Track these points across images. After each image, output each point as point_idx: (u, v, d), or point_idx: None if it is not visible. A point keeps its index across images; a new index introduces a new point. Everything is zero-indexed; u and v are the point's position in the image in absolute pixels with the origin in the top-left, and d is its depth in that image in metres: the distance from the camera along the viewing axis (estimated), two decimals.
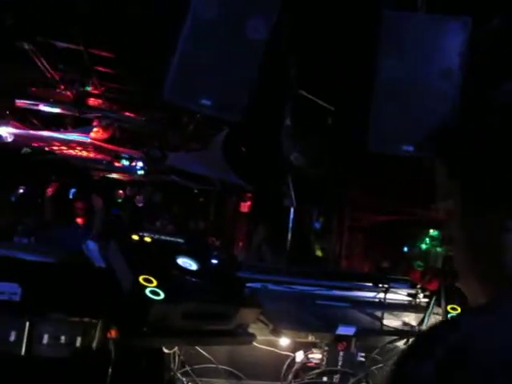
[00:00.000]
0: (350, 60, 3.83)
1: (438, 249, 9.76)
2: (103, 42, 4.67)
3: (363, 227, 7.68)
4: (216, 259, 2.24)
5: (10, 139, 7.79)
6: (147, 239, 2.13)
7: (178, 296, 1.79)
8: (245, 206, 10.58)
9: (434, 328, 0.81)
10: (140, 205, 14.77)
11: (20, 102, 6.10)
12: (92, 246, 2.16)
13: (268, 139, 5.43)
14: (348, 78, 3.91)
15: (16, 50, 4.88)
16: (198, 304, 1.82)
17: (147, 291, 1.74)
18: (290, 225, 7.55)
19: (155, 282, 1.79)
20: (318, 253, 9.04)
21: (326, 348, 2.43)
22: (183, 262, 2.04)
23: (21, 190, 10.32)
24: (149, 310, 1.70)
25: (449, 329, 0.75)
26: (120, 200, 14.97)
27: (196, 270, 2.00)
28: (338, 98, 4.16)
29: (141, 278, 1.79)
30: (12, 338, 2.02)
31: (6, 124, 5.98)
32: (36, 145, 7.75)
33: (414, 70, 2.98)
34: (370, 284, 2.88)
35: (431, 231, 9.89)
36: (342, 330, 2.27)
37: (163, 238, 2.22)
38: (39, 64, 5.56)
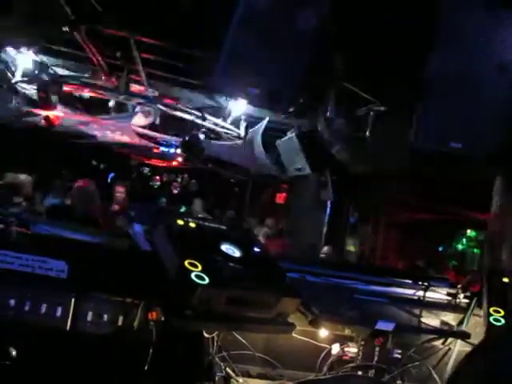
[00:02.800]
0: (398, 52, 3.76)
1: (475, 250, 9.55)
2: (149, 29, 4.72)
3: (399, 224, 7.58)
4: (258, 247, 2.26)
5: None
6: (192, 225, 2.16)
7: (223, 281, 1.82)
8: (280, 197, 10.59)
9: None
10: (176, 191, 14.97)
11: (68, 88, 6.25)
12: (138, 228, 2.21)
13: (309, 131, 5.41)
14: (396, 70, 3.84)
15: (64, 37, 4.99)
16: (241, 290, 1.85)
17: (192, 275, 1.77)
18: (326, 218, 7.54)
19: (200, 267, 1.82)
20: (351, 248, 8.99)
21: (362, 342, 2.42)
22: (227, 248, 2.06)
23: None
24: (193, 294, 1.74)
25: None
26: (157, 185, 15.21)
27: (239, 257, 2.02)
28: (383, 92, 4.09)
29: (186, 263, 1.83)
30: (58, 313, 2.08)
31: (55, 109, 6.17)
32: (82, 127, 7.93)
33: (468, 64, 2.90)
34: (410, 281, 2.85)
35: (468, 232, 9.68)
36: (381, 325, 2.26)
37: (207, 224, 2.25)
38: (87, 51, 5.67)
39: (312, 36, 2.58)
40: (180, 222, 2.14)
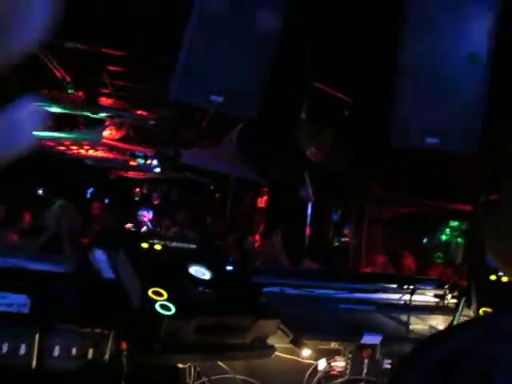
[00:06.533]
0: (368, 48, 3.66)
1: (459, 239, 9.56)
2: (113, 41, 4.56)
3: (383, 219, 7.52)
4: (231, 265, 2.12)
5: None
6: (157, 247, 2.01)
7: (190, 310, 1.67)
8: (262, 201, 10.46)
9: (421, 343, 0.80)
10: (156, 202, 14.76)
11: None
12: (100, 255, 2.06)
13: (283, 134, 5.29)
14: (366, 66, 3.74)
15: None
16: (212, 317, 1.70)
17: (157, 306, 1.62)
18: (309, 219, 7.44)
19: (166, 295, 1.67)
20: (337, 244, 8.94)
21: (350, 355, 2.30)
22: (196, 270, 1.92)
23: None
24: (159, 326, 1.59)
25: (435, 343, 0.75)
26: (137, 198, 14.97)
27: (209, 280, 1.88)
28: (355, 88, 3.99)
29: (150, 291, 1.68)
30: (22, 351, 1.95)
31: None
32: (50, 145, 7.71)
33: (439, 56, 2.80)
34: (395, 286, 2.74)
35: (451, 222, 9.68)
36: (368, 339, 2.14)
37: (175, 244, 2.10)
38: (50, 66, 5.49)
39: (275, 35, 2.45)
40: (144, 246, 1.99)
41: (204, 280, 1.86)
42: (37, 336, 1.95)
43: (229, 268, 2.08)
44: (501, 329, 0.73)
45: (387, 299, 2.63)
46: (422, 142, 2.68)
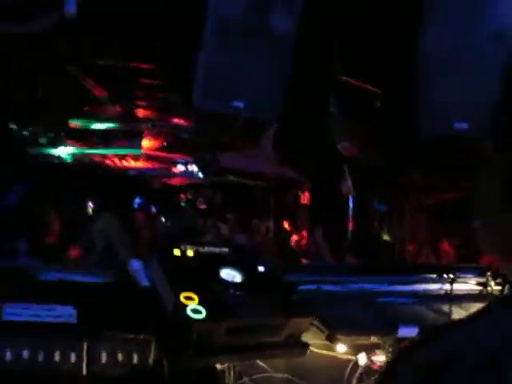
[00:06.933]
0: (393, 36, 3.60)
1: None
2: (142, 55, 4.71)
3: (427, 208, 7.36)
4: (263, 266, 2.16)
5: None
6: (189, 253, 2.07)
7: (221, 312, 1.72)
8: (304, 198, 10.44)
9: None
10: (202, 207, 14.97)
11: (73, 123, 6.31)
12: (136, 265, 2.14)
13: (316, 129, 5.29)
14: (393, 56, 3.68)
15: (65, 73, 5.03)
16: (243, 319, 1.75)
17: (188, 310, 1.68)
18: (351, 212, 7.37)
19: (197, 300, 1.73)
20: (385, 237, 8.77)
21: (390, 349, 2.28)
22: (227, 274, 1.97)
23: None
24: (191, 330, 1.65)
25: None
26: (183, 204, 15.24)
27: (240, 282, 1.92)
28: (384, 79, 3.94)
29: (182, 297, 1.74)
30: (73, 358, 2.05)
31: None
32: (96, 159, 8.00)
33: (462, 37, 2.73)
34: (434, 275, 2.69)
35: None
36: (404, 331, 2.13)
37: (207, 249, 2.16)
38: (86, 84, 5.70)
39: (292, 37, 2.46)
40: (176, 252, 2.06)
41: (235, 283, 1.91)
42: (85, 344, 2.05)
43: (260, 269, 2.12)
44: (502, 327, 0.72)
45: (427, 290, 2.60)
46: (450, 127, 2.62)
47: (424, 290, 2.60)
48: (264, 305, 1.85)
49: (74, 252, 5.73)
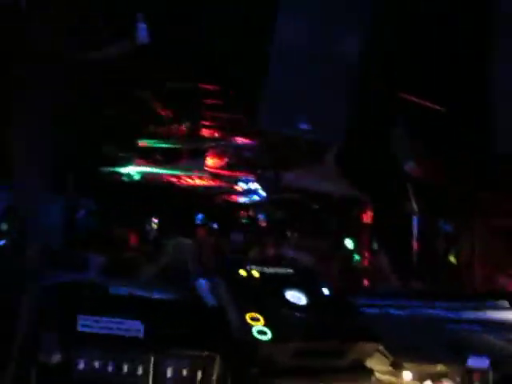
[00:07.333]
0: (459, 56, 3.54)
1: None
2: (207, 77, 4.86)
3: (498, 230, 7.03)
4: (327, 288, 2.16)
5: None
6: (255, 274, 2.11)
7: (286, 335, 1.74)
8: (367, 217, 10.26)
9: None
10: (263, 224, 15.05)
11: (142, 143, 6.58)
12: (202, 284, 2.20)
13: (381, 148, 5.23)
14: (459, 75, 3.61)
15: (131, 96, 5.28)
16: (308, 342, 1.75)
17: (254, 331, 1.71)
18: (415, 233, 7.17)
19: (262, 321, 1.76)
20: (451, 259, 8.43)
21: (458, 379, 2.20)
22: (292, 295, 1.98)
23: None
24: (256, 351, 1.67)
25: None
26: (245, 220, 15.39)
27: (305, 305, 1.93)
28: (450, 98, 3.86)
29: (248, 317, 1.77)
30: (140, 371, 2.11)
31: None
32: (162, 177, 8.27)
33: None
34: (506, 302, 2.58)
35: None
36: (474, 363, 2.05)
37: (272, 270, 2.19)
38: (155, 106, 5.95)
39: (356, 61, 2.47)
40: (242, 273, 2.10)
41: (300, 305, 1.92)
42: (152, 358, 2.11)
43: (325, 291, 2.12)
44: None
45: (496, 318, 2.49)
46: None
47: (493, 318, 2.50)
48: (329, 328, 1.84)
49: (146, 267, 5.91)
